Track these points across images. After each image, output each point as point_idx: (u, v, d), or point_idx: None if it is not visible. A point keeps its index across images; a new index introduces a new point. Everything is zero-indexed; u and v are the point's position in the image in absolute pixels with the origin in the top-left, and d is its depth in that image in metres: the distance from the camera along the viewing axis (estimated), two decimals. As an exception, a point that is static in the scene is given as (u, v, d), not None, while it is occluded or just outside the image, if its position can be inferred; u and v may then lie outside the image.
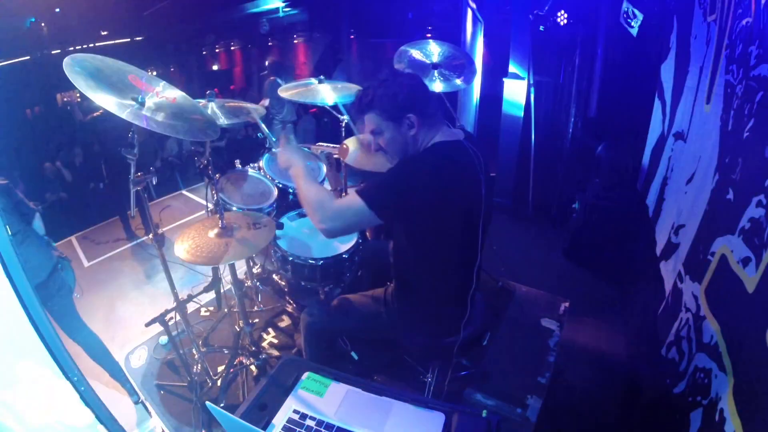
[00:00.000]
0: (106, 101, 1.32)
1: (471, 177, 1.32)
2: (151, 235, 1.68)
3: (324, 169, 2.56)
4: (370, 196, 1.26)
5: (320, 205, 1.32)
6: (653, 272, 2.18)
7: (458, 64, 2.38)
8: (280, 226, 1.98)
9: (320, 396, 1.08)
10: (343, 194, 2.57)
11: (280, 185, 2.34)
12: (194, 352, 2.10)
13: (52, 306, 1.86)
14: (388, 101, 1.30)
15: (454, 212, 1.30)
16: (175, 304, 1.83)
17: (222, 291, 2.24)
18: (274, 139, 2.52)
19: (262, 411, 1.04)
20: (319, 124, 7.17)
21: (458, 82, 2.33)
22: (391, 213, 1.29)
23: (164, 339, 2.40)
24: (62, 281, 1.89)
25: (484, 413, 1.00)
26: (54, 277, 1.84)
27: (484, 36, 4.12)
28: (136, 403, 2.08)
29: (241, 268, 2.67)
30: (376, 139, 1.37)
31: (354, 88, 2.61)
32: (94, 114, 4.06)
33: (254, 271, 2.65)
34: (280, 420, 1.01)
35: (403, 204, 1.25)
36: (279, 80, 5.05)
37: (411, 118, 1.30)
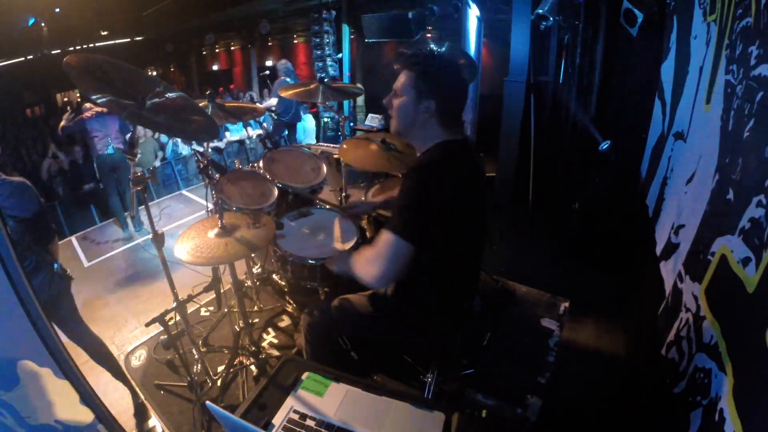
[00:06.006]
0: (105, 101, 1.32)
1: (479, 180, 1.34)
2: (150, 235, 1.68)
3: (324, 169, 2.55)
4: (395, 225, 1.23)
5: (360, 261, 1.31)
6: (653, 272, 2.18)
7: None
8: (280, 226, 1.98)
9: (320, 396, 1.08)
10: (343, 193, 2.58)
11: (280, 185, 2.34)
12: (194, 352, 2.10)
13: (58, 319, 1.88)
14: (427, 76, 1.27)
15: (466, 217, 1.31)
16: (175, 304, 1.83)
17: (222, 291, 2.24)
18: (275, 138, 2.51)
19: (262, 411, 1.04)
20: (319, 124, 7.18)
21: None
22: (420, 235, 1.23)
23: (164, 339, 2.39)
24: (65, 294, 1.89)
25: (484, 413, 1.00)
26: (56, 294, 1.84)
27: (484, 36, 4.12)
28: (136, 403, 2.08)
29: (241, 268, 2.67)
30: (394, 97, 1.35)
31: (352, 87, 2.61)
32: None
33: (254, 271, 2.65)
34: (280, 420, 1.01)
35: (428, 220, 1.22)
36: (288, 80, 5.12)
37: (432, 105, 1.28)
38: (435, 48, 1.34)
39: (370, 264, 1.27)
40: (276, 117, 5.36)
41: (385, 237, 1.24)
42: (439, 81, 1.28)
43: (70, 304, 1.93)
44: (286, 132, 5.68)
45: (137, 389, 2.13)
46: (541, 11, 3.14)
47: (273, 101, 5.49)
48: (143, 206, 1.65)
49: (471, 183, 1.33)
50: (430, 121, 1.31)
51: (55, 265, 1.84)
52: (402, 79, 1.32)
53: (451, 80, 1.31)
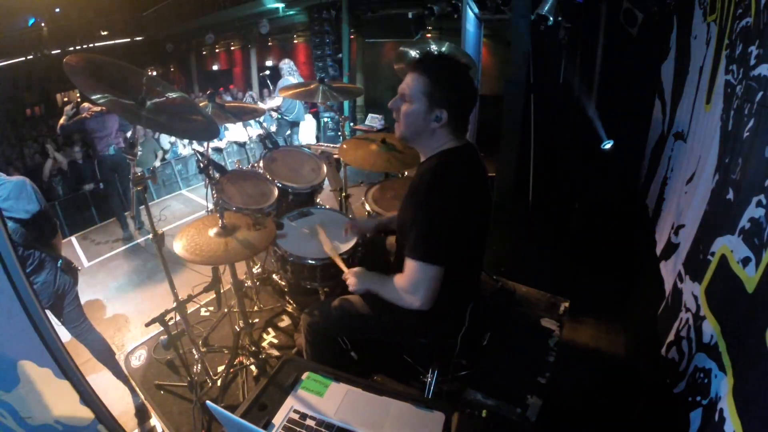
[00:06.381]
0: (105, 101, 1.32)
1: (486, 185, 1.34)
2: (150, 235, 1.68)
3: (324, 169, 2.56)
4: (421, 252, 1.22)
5: (398, 293, 1.30)
6: (653, 272, 2.18)
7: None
8: (280, 226, 1.98)
9: (320, 396, 1.08)
10: (343, 194, 2.58)
11: (280, 185, 2.34)
12: (194, 352, 2.10)
13: (64, 314, 1.90)
14: (441, 83, 1.22)
15: (474, 222, 1.31)
16: (175, 304, 1.83)
17: (222, 291, 2.24)
18: (276, 139, 2.52)
19: (262, 411, 1.04)
20: (319, 124, 7.19)
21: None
22: (445, 253, 1.23)
23: (164, 339, 2.40)
24: (71, 288, 1.91)
25: (484, 413, 1.00)
26: (62, 289, 1.86)
27: (484, 36, 4.12)
28: (136, 403, 2.08)
29: (241, 268, 2.67)
30: (401, 102, 1.29)
31: (352, 87, 2.62)
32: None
33: (254, 271, 2.65)
34: (280, 420, 1.01)
35: (447, 236, 1.22)
36: (292, 79, 5.16)
37: (444, 115, 1.24)
38: (446, 51, 1.32)
39: (410, 296, 1.27)
40: (280, 116, 5.39)
41: (415, 266, 1.23)
42: (453, 88, 1.23)
43: (76, 299, 1.96)
44: (288, 131, 5.71)
45: (137, 389, 2.13)
46: (541, 12, 3.14)
47: (278, 100, 5.54)
48: (143, 206, 1.65)
49: (478, 190, 1.32)
50: (440, 129, 1.28)
51: (59, 261, 1.86)
52: (411, 82, 1.25)
53: (465, 87, 1.26)
